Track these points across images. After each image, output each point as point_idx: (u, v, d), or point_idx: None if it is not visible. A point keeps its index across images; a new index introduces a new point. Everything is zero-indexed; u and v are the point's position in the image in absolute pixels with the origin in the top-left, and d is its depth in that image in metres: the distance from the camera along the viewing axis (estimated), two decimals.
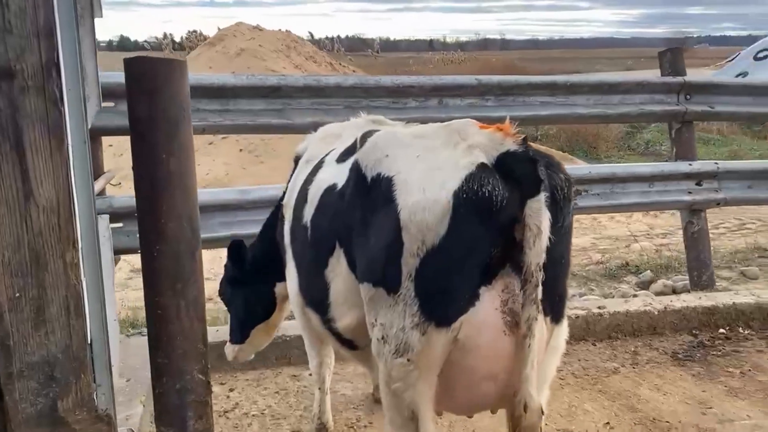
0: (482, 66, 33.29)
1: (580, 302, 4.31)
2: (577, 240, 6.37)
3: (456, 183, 1.76)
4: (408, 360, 1.84)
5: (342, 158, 2.30)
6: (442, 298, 1.81)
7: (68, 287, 1.75)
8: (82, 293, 1.78)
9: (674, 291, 4.76)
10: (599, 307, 4.05)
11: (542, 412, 1.80)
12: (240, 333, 2.99)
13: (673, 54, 4.72)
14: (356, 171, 2.06)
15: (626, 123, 9.95)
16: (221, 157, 10.82)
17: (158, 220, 1.83)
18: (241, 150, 10.72)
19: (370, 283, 1.94)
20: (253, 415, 3.07)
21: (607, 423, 3.03)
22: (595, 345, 3.89)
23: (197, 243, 1.92)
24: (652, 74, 5.06)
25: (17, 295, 1.72)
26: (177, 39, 32.68)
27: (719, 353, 3.77)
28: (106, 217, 2.18)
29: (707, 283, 4.55)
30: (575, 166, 6.11)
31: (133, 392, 2.89)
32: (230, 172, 10.36)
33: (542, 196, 1.71)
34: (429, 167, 1.88)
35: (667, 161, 4.82)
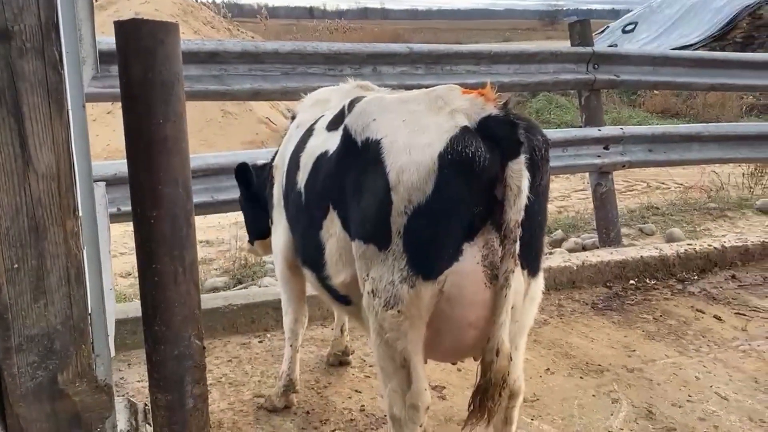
0: (368, 35, 33.26)
1: None
2: None
3: (440, 145, 1.85)
4: (398, 311, 1.94)
5: (331, 126, 2.37)
6: (429, 253, 1.89)
7: (69, 256, 1.71)
8: (83, 262, 1.73)
9: (584, 248, 5.11)
10: None
11: (510, 358, 1.91)
12: (249, 237, 3.33)
13: (582, 25, 4.97)
14: (346, 136, 2.13)
15: (542, 91, 10.26)
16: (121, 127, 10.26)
17: (155, 185, 1.80)
18: None
19: (362, 240, 2.03)
20: (211, 384, 3.06)
21: (547, 369, 3.27)
22: None
23: (191, 208, 1.90)
24: (534, 45, 5.34)
25: (15, 266, 1.67)
26: None
27: (632, 302, 4.10)
28: (102, 184, 2.09)
29: (615, 240, 4.89)
30: None
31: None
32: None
33: (522, 158, 1.80)
34: (414, 130, 1.97)
35: (576, 128, 5.09)
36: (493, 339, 1.85)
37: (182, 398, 1.95)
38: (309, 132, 2.53)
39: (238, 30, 14.32)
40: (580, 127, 5.03)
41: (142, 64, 1.76)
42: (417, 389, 2.03)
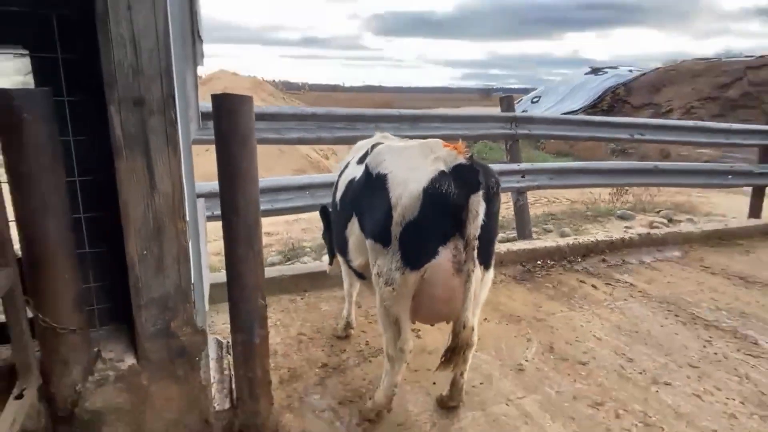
0: (370, 103, 33.27)
1: None
2: None
3: (425, 182, 1.84)
4: (393, 289, 1.93)
5: (360, 161, 2.33)
6: (415, 252, 1.88)
7: (179, 246, 1.67)
8: (188, 250, 1.69)
9: (507, 240, 5.05)
10: None
11: (473, 330, 1.92)
12: (330, 259, 2.97)
13: (507, 99, 4.94)
14: (366, 169, 2.11)
15: (481, 140, 10.20)
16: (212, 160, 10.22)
17: (235, 199, 1.76)
18: None
19: (373, 239, 2.00)
20: (270, 326, 2.98)
21: (486, 318, 3.20)
22: None
23: (258, 213, 1.86)
24: (478, 110, 5.30)
25: (144, 252, 1.62)
26: None
27: (539, 276, 4.04)
28: (202, 199, 2.05)
29: (528, 235, 4.84)
30: None
31: None
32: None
33: (480, 192, 1.79)
34: (409, 169, 1.94)
35: (503, 163, 5.04)
36: (461, 317, 1.85)
37: (251, 337, 1.90)
38: (347, 166, 2.50)
39: (289, 99, 14.28)
40: (506, 162, 4.96)
41: (228, 121, 1.71)
42: (404, 338, 2.03)
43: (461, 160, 1.85)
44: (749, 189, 5.97)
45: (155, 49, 1.47)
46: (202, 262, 1.84)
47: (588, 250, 4.55)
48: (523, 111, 26.18)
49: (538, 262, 4.31)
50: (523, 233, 4.82)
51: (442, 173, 1.83)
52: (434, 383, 2.45)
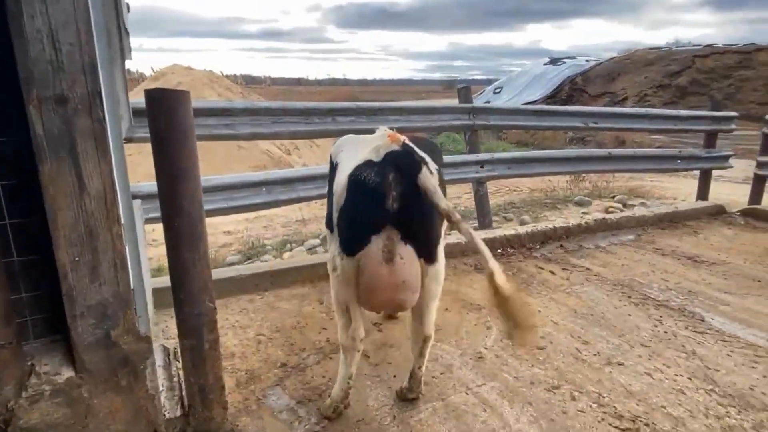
0: (334, 96, 32.95)
1: None
2: None
3: (350, 171, 1.86)
4: (337, 274, 1.95)
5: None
6: (349, 239, 1.87)
7: (115, 251, 1.59)
8: (125, 254, 1.61)
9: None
10: None
11: (404, 310, 2.01)
12: None
13: (465, 90, 4.95)
14: (330, 159, 2.21)
15: (443, 132, 10.22)
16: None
17: (175, 200, 1.69)
18: None
19: (326, 226, 2.10)
20: (227, 328, 2.93)
21: (446, 309, 3.21)
22: None
23: (203, 214, 1.79)
24: (437, 102, 5.34)
25: (76, 259, 1.53)
26: None
27: (499, 263, 4.09)
28: (139, 200, 1.95)
29: (489, 224, 4.90)
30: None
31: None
32: None
33: (425, 169, 1.77)
34: (351, 158, 1.94)
35: (463, 153, 5.07)
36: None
37: (201, 342, 1.84)
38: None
39: (248, 93, 13.94)
40: (466, 153, 4.99)
41: (165, 118, 1.63)
42: (354, 326, 2.02)
43: (395, 147, 1.82)
44: (698, 172, 6.25)
45: (76, 43, 1.38)
46: (143, 266, 1.76)
47: (546, 237, 4.65)
48: (485, 102, 26.58)
49: (498, 251, 4.37)
50: (484, 222, 4.88)
51: (367, 162, 1.81)
52: (394, 376, 2.45)
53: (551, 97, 24.72)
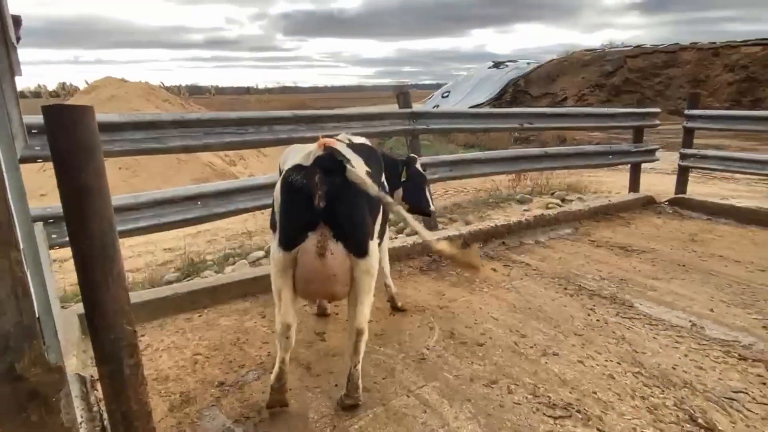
0: (284, 104, 32.59)
1: None
2: None
3: (283, 175, 2.08)
4: (275, 266, 2.10)
5: None
6: (287, 237, 2.05)
7: (14, 278, 1.48)
8: (27, 281, 1.51)
9: (414, 233, 5.14)
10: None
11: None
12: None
13: (404, 95, 5.02)
14: (279, 167, 2.43)
15: (383, 137, 10.28)
16: None
17: (83, 221, 1.61)
18: (119, 168, 9.45)
19: (270, 227, 2.28)
20: (162, 350, 2.81)
21: (391, 313, 3.23)
22: None
23: (116, 235, 1.71)
24: (377, 108, 5.39)
25: None
26: (51, 89, 27.52)
27: (444, 264, 4.14)
28: (40, 223, 1.83)
29: (434, 226, 4.97)
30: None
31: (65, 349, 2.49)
32: (112, 185, 9.01)
33: (350, 168, 1.99)
34: (289, 163, 2.14)
35: None
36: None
37: (120, 368, 1.75)
38: None
39: (189, 104, 13.50)
40: None
41: (67, 135, 1.55)
42: (285, 312, 2.13)
43: (320, 152, 2.00)
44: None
45: None
46: (49, 292, 1.66)
47: (489, 236, 4.78)
48: (434, 106, 27.07)
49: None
50: (429, 225, 4.93)
51: (297, 166, 2.02)
52: (336, 385, 2.43)
53: (497, 100, 25.52)
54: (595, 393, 2.37)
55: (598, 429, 2.11)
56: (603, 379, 2.48)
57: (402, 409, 2.26)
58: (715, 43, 20.85)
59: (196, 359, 2.69)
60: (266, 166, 11.74)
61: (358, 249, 2.06)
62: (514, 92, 25.26)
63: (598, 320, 3.12)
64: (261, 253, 4.38)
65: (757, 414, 2.21)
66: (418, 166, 3.29)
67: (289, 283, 2.08)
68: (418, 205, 3.27)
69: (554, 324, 3.07)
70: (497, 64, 29.59)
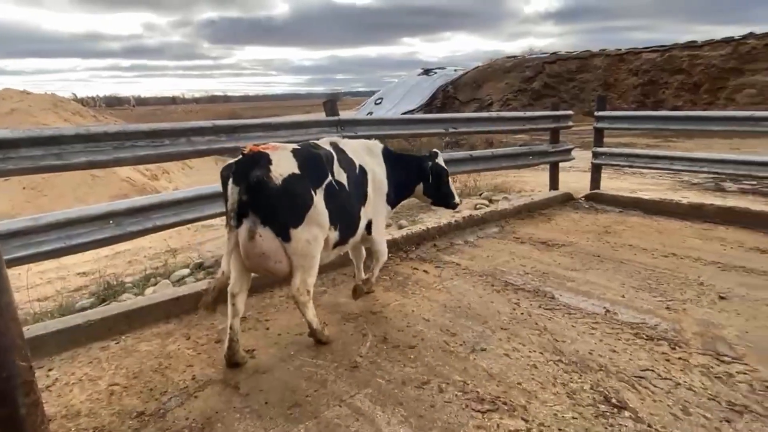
0: (212, 114, 31.53)
1: None
2: None
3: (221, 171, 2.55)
4: (227, 244, 2.48)
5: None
6: (227, 221, 2.47)
7: None
8: None
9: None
10: None
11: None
12: None
13: (331, 103, 5.00)
14: None
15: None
16: (5, 194, 8.56)
17: None
18: (24, 187, 8.60)
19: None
20: (73, 383, 2.59)
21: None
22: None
23: (1, 263, 1.56)
24: (305, 117, 5.38)
25: None
26: None
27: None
28: None
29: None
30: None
31: None
32: (16, 206, 8.25)
33: (259, 170, 2.44)
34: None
35: None
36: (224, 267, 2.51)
37: (16, 408, 1.59)
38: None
39: (103, 116, 12.60)
40: None
41: None
42: (233, 284, 2.60)
43: (240, 156, 2.48)
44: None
45: None
46: None
47: (421, 239, 4.87)
48: (369, 113, 27.31)
49: None
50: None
51: (227, 165, 2.50)
52: (266, 403, 2.36)
53: (428, 105, 26.21)
54: (520, 384, 2.47)
55: (522, 419, 2.21)
56: (527, 370, 2.60)
57: (334, 420, 2.23)
58: (620, 49, 22.75)
59: (113, 390, 2.50)
60: (193, 179, 11.20)
61: (283, 234, 2.52)
62: (444, 98, 26.09)
63: (522, 313, 3.27)
64: (185, 272, 4.17)
65: (662, 389, 2.42)
66: (439, 161, 3.61)
67: (235, 258, 2.53)
68: (440, 200, 3.67)
69: (482, 320, 3.18)
70: (427, 71, 30.44)
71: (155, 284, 3.96)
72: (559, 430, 2.13)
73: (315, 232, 2.63)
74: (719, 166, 5.79)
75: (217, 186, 4.06)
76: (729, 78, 18.42)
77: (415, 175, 3.57)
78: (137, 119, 21.51)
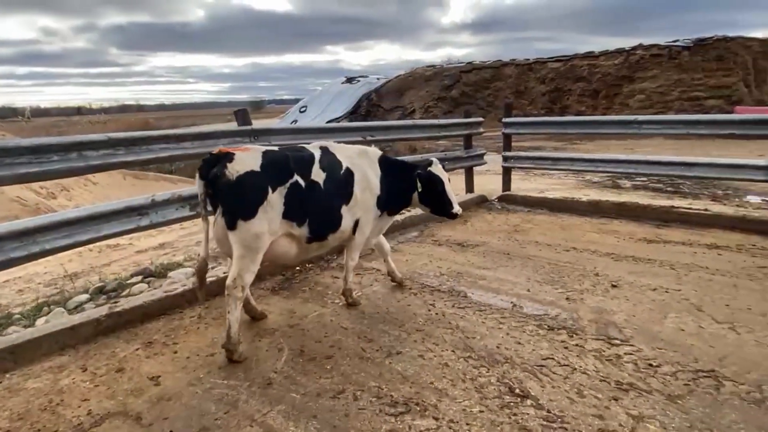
0: (123, 125, 29.55)
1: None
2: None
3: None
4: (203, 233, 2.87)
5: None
6: (201, 210, 2.87)
7: None
8: None
9: None
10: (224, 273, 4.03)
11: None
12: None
13: (243, 113, 4.87)
14: None
15: None
16: None
17: None
18: None
19: None
20: None
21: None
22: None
23: None
24: (213, 127, 5.23)
25: None
26: None
27: (297, 281, 4.10)
28: None
29: None
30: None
31: None
32: None
33: (227, 168, 2.71)
34: None
35: None
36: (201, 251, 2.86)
37: None
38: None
39: None
40: None
41: None
42: (204, 254, 2.86)
43: (209, 156, 2.79)
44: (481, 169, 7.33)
45: None
46: None
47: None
48: (293, 121, 26.94)
49: (297, 269, 4.39)
50: None
51: (203, 161, 2.80)
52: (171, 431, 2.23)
53: (353, 113, 26.39)
54: (432, 383, 2.55)
55: (433, 417, 2.27)
56: (439, 369, 2.68)
57: None
58: (529, 59, 24.38)
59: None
60: (96, 195, 10.32)
61: (228, 223, 2.74)
62: (369, 106, 26.41)
63: (437, 314, 3.37)
64: (84, 297, 3.84)
65: (560, 375, 2.60)
66: (434, 169, 3.51)
67: (206, 237, 2.84)
68: (437, 209, 3.55)
69: (399, 324, 3.23)
70: (350, 80, 30.66)
71: (48, 313, 3.61)
72: (467, 424, 2.22)
73: (266, 227, 2.77)
74: (613, 166, 6.39)
75: (117, 203, 3.81)
76: (623, 85, 20.40)
77: (408, 183, 3.51)
78: (32, 132, 19.54)
